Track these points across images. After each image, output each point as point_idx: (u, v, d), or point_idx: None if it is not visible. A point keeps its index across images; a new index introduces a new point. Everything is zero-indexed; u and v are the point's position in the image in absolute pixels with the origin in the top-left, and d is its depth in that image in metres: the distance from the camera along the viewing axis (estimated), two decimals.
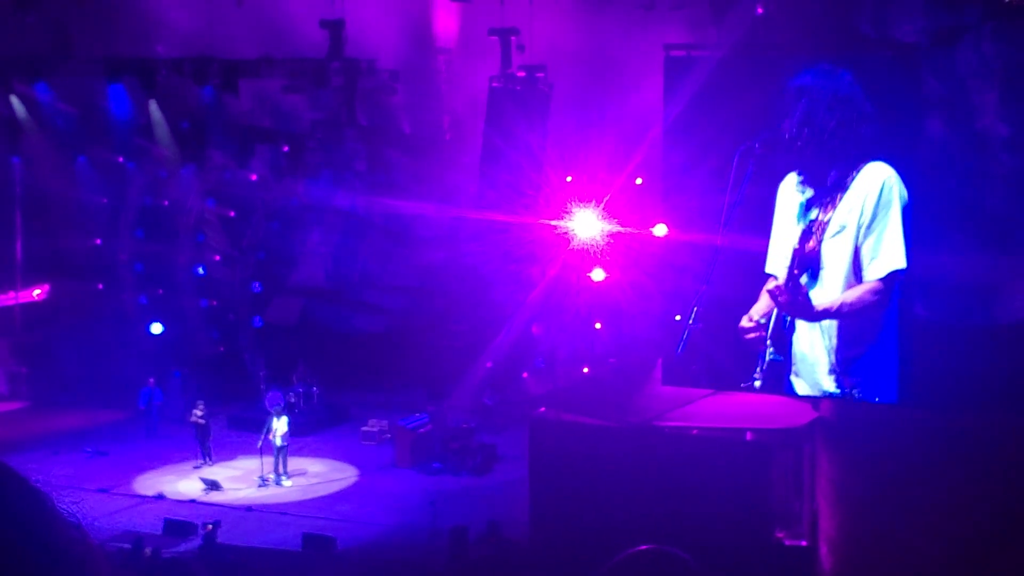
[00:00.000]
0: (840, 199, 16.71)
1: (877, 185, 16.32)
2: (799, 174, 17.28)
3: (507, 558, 18.59)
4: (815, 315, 16.93)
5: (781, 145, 17.10)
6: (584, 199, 21.52)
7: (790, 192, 17.41)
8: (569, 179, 23.21)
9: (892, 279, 16.56)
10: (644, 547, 2.74)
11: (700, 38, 19.99)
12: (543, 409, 20.59)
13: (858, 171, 16.51)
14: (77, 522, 2.11)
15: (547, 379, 27.09)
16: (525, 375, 28.27)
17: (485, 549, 18.83)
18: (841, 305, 16.87)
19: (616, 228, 20.93)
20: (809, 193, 17.19)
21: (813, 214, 17.14)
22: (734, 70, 18.19)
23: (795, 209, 17.39)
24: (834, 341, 17.39)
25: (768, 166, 17.43)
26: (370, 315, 32.33)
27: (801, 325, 17.54)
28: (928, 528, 15.97)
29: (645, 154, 20.74)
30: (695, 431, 18.68)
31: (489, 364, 28.36)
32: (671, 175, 19.66)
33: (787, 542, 17.81)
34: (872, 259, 16.63)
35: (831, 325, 17.35)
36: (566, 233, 21.58)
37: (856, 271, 16.79)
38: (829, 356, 17.46)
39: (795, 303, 16.77)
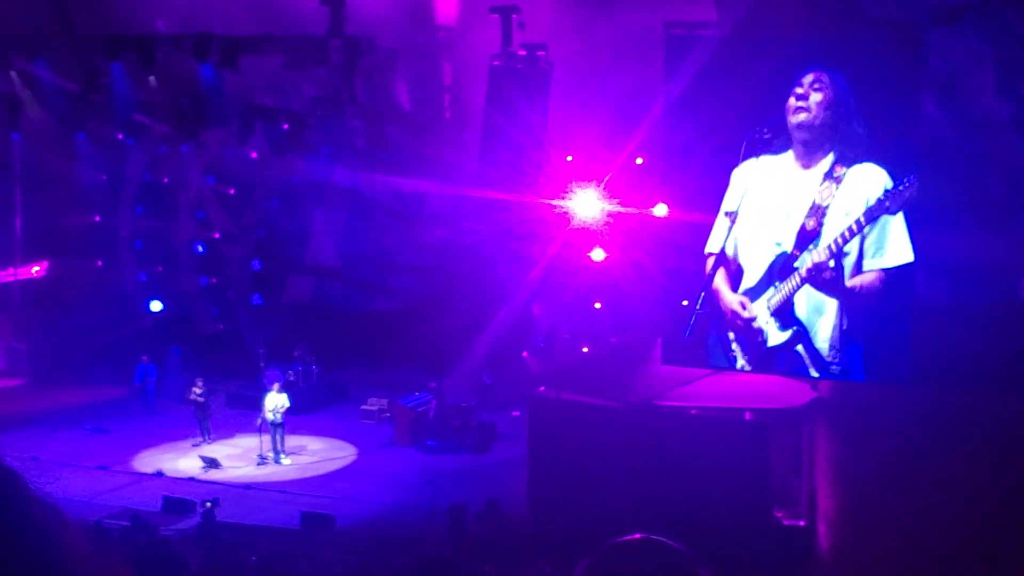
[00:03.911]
0: (839, 187, 17.01)
1: (880, 185, 16.62)
2: (799, 154, 17.42)
3: (506, 536, 18.62)
4: (842, 291, 17.17)
5: (788, 129, 17.25)
6: (584, 178, 21.46)
7: (770, 174, 17.59)
8: (570, 158, 23.13)
9: (898, 271, 16.75)
10: (633, 536, 2.72)
11: (701, 16, 19.89)
12: (542, 388, 20.61)
13: (855, 165, 16.88)
14: (52, 500, 2.08)
15: (546, 358, 27.07)
16: (525, 354, 28.25)
17: (484, 527, 18.86)
18: (858, 286, 17.09)
19: (616, 208, 20.88)
20: (806, 175, 17.40)
21: (811, 195, 17.34)
22: (735, 49, 18.15)
23: (782, 186, 17.60)
24: (837, 318, 17.49)
25: (774, 150, 17.54)
26: (377, 295, 32.29)
27: (801, 300, 17.68)
28: (927, 508, 16.00)
29: (646, 134, 20.68)
30: (694, 411, 18.72)
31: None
32: (672, 155, 19.64)
33: (785, 521, 17.87)
34: (876, 250, 16.84)
35: (834, 303, 17.49)
36: (566, 212, 21.53)
37: (858, 256, 16.96)
38: (830, 332, 17.56)
39: (835, 277, 17.07)
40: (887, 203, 16.48)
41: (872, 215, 16.69)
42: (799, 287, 17.57)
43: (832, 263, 17.08)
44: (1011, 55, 17.11)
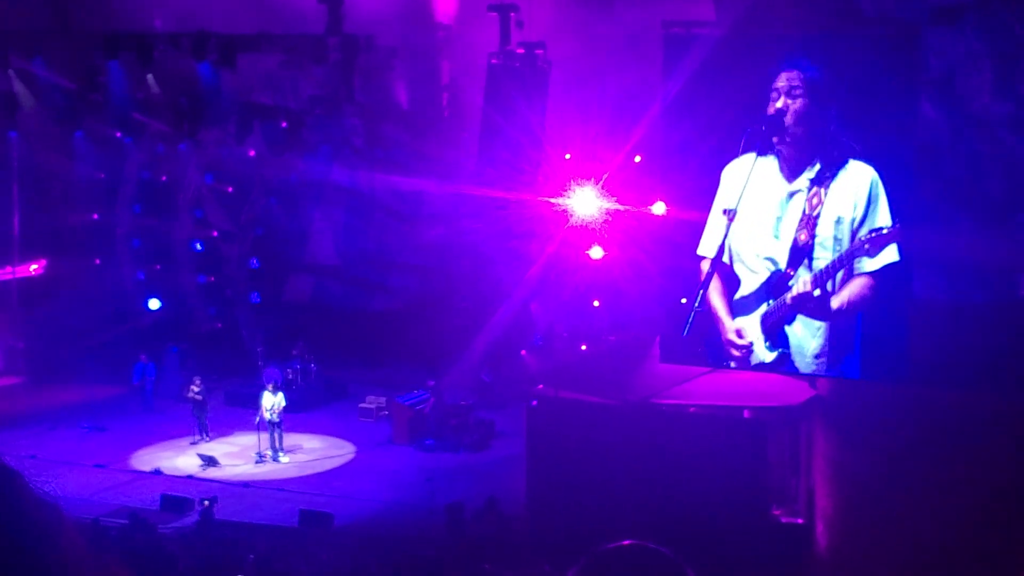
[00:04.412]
0: (827, 193, 17.00)
1: (867, 182, 16.65)
2: (783, 165, 17.44)
3: (504, 534, 18.62)
4: (830, 314, 17.17)
5: (780, 130, 17.24)
6: (583, 177, 21.48)
7: (760, 181, 17.55)
8: (568, 157, 23.15)
9: (886, 273, 16.76)
10: (617, 544, 2.72)
11: (700, 15, 19.90)
12: (541, 386, 20.60)
13: (842, 167, 16.88)
14: (52, 498, 2.09)
15: (545, 356, 27.08)
16: (523, 352, 28.26)
17: (482, 525, 18.86)
18: (844, 303, 17.08)
19: (615, 206, 20.89)
20: (793, 186, 17.40)
21: (799, 206, 17.32)
22: (734, 47, 18.13)
23: (770, 199, 17.58)
24: (826, 339, 17.49)
25: (765, 151, 17.53)
26: (375, 293, 32.29)
27: (792, 325, 17.68)
28: (925, 506, 16.00)
29: (644, 132, 20.69)
30: (692, 408, 18.71)
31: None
32: (670, 153, 19.63)
33: (783, 520, 17.86)
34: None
35: (824, 324, 17.51)
36: (565, 211, 21.54)
37: (849, 264, 16.95)
38: (822, 344, 17.56)
39: (821, 304, 17.07)
40: (866, 245, 16.48)
41: (852, 254, 16.70)
42: (787, 314, 17.56)
43: (817, 292, 17.06)
44: (1009, 54, 17.11)
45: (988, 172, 17.46)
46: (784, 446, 18.14)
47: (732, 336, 18.29)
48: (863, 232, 16.64)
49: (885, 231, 16.32)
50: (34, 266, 32.21)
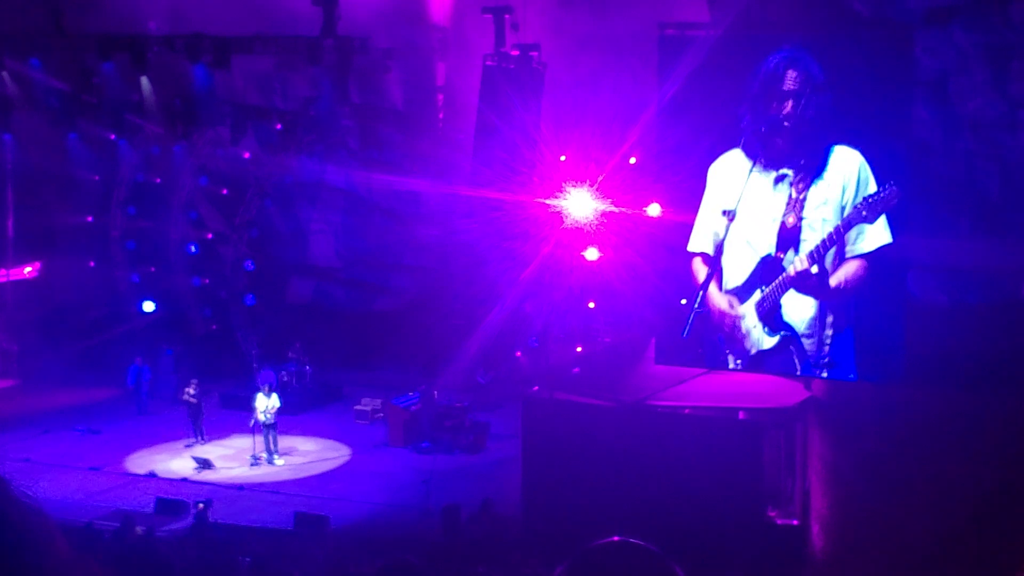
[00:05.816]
0: (814, 176, 17.10)
1: (855, 166, 16.75)
2: (771, 155, 17.50)
3: (500, 536, 18.60)
4: (827, 292, 17.24)
5: (777, 126, 17.28)
6: (578, 178, 21.49)
7: (747, 173, 17.60)
8: (563, 158, 23.14)
9: (880, 254, 16.84)
10: (607, 540, 2.71)
11: (694, 17, 19.91)
12: (536, 387, 20.58)
13: (828, 152, 16.98)
14: (36, 503, 2.07)
15: (540, 358, 27.05)
16: (518, 353, 28.23)
17: (478, 527, 18.85)
18: (842, 282, 17.15)
19: (610, 207, 20.89)
20: (780, 171, 17.47)
21: (785, 192, 17.42)
22: (728, 49, 18.16)
23: (758, 188, 17.65)
24: (824, 317, 17.54)
25: (765, 146, 17.57)
26: (370, 294, 32.27)
27: (788, 303, 17.72)
28: (920, 506, 16.01)
29: (639, 133, 20.71)
30: (688, 410, 18.70)
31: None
32: (665, 155, 19.64)
33: (779, 521, 17.85)
34: (857, 236, 16.93)
35: (821, 303, 17.56)
36: (560, 212, 21.54)
37: (840, 247, 17.03)
38: (818, 331, 17.60)
39: (820, 282, 17.14)
40: (864, 212, 16.56)
41: (850, 223, 16.76)
42: (784, 292, 17.64)
43: (815, 268, 17.16)
44: (1000, 55, 17.13)
45: (982, 173, 17.48)
46: (779, 447, 18.14)
47: (725, 305, 18.36)
48: (856, 201, 16.75)
49: (882, 194, 16.39)
50: (28, 268, 32.15)
